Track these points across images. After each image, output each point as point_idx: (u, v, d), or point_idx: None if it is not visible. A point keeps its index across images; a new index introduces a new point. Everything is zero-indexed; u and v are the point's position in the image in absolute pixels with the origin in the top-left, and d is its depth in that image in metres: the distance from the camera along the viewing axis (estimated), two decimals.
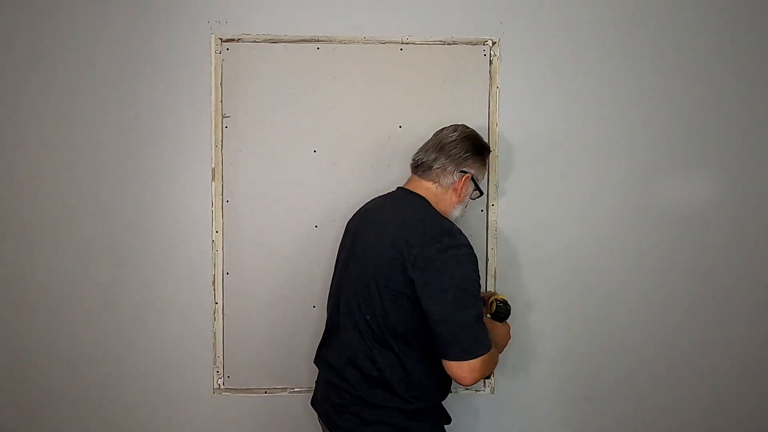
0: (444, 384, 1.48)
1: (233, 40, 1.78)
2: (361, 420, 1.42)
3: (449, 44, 1.81)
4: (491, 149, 1.77)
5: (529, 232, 1.84)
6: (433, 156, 1.50)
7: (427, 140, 1.54)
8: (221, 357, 1.83)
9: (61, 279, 1.81)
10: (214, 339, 1.82)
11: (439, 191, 1.50)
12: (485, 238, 1.83)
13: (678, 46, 1.83)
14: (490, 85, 1.81)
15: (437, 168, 1.49)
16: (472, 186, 1.53)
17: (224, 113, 1.79)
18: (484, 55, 1.81)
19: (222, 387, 1.83)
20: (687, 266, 1.86)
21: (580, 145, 1.83)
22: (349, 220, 1.60)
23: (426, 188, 1.50)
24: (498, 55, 1.81)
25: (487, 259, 1.84)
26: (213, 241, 1.81)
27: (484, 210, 1.83)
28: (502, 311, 1.66)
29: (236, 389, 1.84)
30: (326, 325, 1.57)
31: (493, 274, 1.84)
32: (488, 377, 1.71)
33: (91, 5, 1.76)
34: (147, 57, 1.78)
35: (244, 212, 1.81)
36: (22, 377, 1.83)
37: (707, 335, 1.88)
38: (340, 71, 1.80)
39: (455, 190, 1.50)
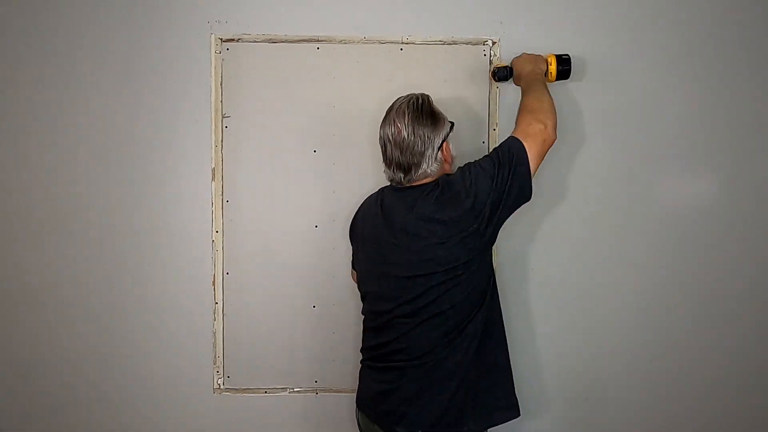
0: None
1: (233, 40, 1.78)
2: None
3: (449, 44, 1.81)
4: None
5: (528, 232, 1.84)
6: (407, 164, 1.45)
7: (385, 151, 1.47)
8: (221, 357, 1.83)
9: (62, 279, 1.81)
10: (214, 339, 1.82)
11: (437, 170, 1.47)
12: None
13: (678, 45, 1.83)
14: (490, 85, 1.81)
15: (422, 171, 1.45)
16: (450, 143, 1.52)
17: (224, 113, 1.79)
18: (484, 55, 1.81)
19: (222, 387, 1.83)
20: (687, 267, 1.86)
21: (581, 145, 1.83)
22: (356, 227, 1.62)
23: (424, 182, 1.47)
24: (498, 55, 1.81)
25: None
26: (213, 241, 1.81)
27: None
28: (500, 74, 1.70)
29: (236, 389, 1.84)
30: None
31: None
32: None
33: (91, 5, 1.76)
34: (147, 57, 1.78)
35: (244, 212, 1.81)
36: (21, 376, 1.83)
37: (707, 335, 1.88)
38: (340, 71, 1.80)
39: (445, 162, 1.50)
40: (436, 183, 1.45)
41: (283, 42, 1.79)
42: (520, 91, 1.62)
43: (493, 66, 1.75)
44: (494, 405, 1.49)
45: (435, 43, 1.80)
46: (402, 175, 1.46)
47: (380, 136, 1.48)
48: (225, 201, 1.80)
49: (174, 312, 1.81)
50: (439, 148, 1.46)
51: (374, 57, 1.80)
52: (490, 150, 1.44)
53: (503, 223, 1.43)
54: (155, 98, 1.78)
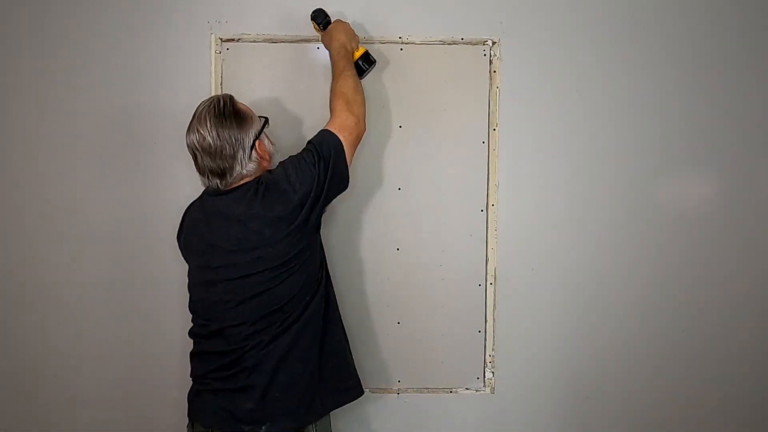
0: None
1: (233, 40, 1.78)
2: None
3: (449, 44, 1.81)
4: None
5: (529, 232, 1.84)
6: (220, 169, 1.42)
7: (195, 160, 1.44)
8: None
9: (62, 278, 1.81)
10: None
11: (254, 169, 1.47)
12: (485, 238, 1.83)
13: (679, 46, 1.83)
14: (490, 85, 1.81)
15: (237, 174, 1.44)
16: (265, 139, 1.51)
17: None
18: (484, 55, 1.81)
19: None
20: (687, 266, 1.86)
21: (581, 145, 1.83)
22: (181, 237, 1.59)
23: (243, 182, 1.46)
24: (498, 55, 1.81)
25: (487, 259, 1.84)
26: None
27: (484, 210, 1.83)
28: (319, 19, 1.69)
29: None
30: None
31: (493, 274, 1.84)
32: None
33: (91, 5, 1.76)
34: (147, 57, 1.78)
35: None
36: (21, 376, 1.83)
37: (707, 335, 1.88)
38: None
39: (262, 159, 1.49)
40: (258, 181, 1.44)
41: (283, 42, 1.79)
42: (329, 56, 1.65)
43: (319, 8, 1.70)
44: (342, 386, 1.56)
45: (435, 43, 1.80)
46: (218, 181, 1.45)
47: (187, 145, 1.45)
48: None
49: (175, 312, 1.81)
50: (252, 147, 1.45)
51: (374, 57, 1.80)
52: (312, 143, 1.47)
53: (324, 208, 1.48)
54: (155, 98, 1.78)
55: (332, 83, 1.58)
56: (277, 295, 1.43)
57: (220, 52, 1.78)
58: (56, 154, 1.78)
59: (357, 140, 1.52)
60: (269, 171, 1.48)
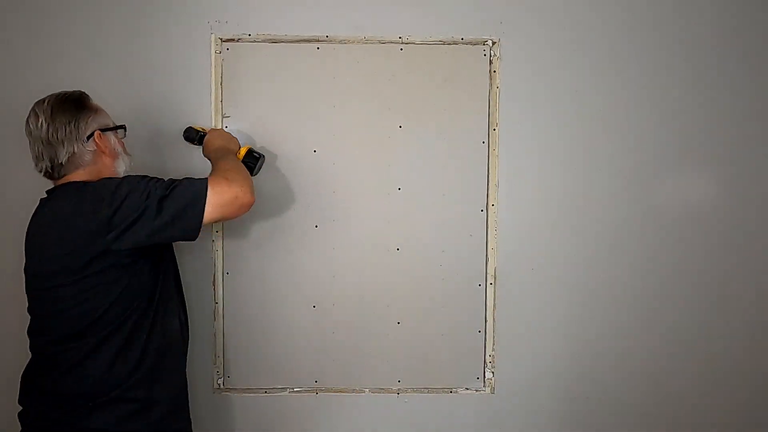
0: None
1: (233, 40, 1.78)
2: None
3: (449, 44, 1.81)
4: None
5: (529, 232, 1.84)
6: (48, 156, 1.37)
7: (31, 148, 1.40)
8: (221, 357, 1.83)
9: None
10: (214, 339, 1.82)
11: (92, 168, 1.40)
12: (485, 238, 1.83)
13: (679, 45, 1.83)
14: (490, 85, 1.81)
15: (67, 159, 1.37)
16: (111, 135, 1.44)
17: (224, 113, 1.79)
18: (484, 55, 1.81)
19: (222, 387, 1.83)
20: (688, 266, 1.86)
21: (580, 144, 1.83)
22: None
23: (77, 177, 1.39)
24: (498, 55, 1.81)
25: (487, 259, 1.84)
26: (213, 241, 1.81)
27: (484, 210, 1.83)
28: (190, 135, 1.69)
29: (236, 389, 1.84)
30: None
31: (493, 274, 1.84)
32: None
33: (91, 5, 1.76)
34: (147, 57, 1.78)
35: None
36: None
37: (708, 335, 1.88)
38: (340, 71, 1.80)
39: (102, 153, 1.41)
40: (86, 182, 1.37)
41: (283, 42, 1.79)
42: (211, 163, 1.55)
43: (188, 126, 1.71)
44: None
45: (435, 43, 1.80)
46: (50, 166, 1.38)
47: (25, 134, 1.40)
48: None
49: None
50: (89, 137, 1.38)
51: (374, 57, 1.80)
52: (176, 180, 1.36)
53: (154, 244, 1.35)
54: (155, 98, 1.78)
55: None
56: (75, 315, 1.34)
57: (220, 52, 1.78)
58: None
59: (232, 208, 1.35)
60: (110, 178, 1.39)
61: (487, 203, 1.83)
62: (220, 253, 1.81)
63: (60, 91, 1.44)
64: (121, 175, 1.46)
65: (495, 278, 1.84)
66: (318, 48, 1.79)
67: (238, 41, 1.78)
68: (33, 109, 1.40)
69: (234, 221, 1.80)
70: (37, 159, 1.40)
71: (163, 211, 1.30)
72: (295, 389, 1.84)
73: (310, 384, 1.84)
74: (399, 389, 1.85)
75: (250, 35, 1.78)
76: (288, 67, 1.79)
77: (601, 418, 1.89)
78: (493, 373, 1.86)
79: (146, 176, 1.37)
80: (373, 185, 1.82)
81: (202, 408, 1.83)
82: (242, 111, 1.79)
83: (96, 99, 1.79)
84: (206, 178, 1.35)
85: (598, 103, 1.83)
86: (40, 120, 1.37)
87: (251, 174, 1.61)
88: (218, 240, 1.81)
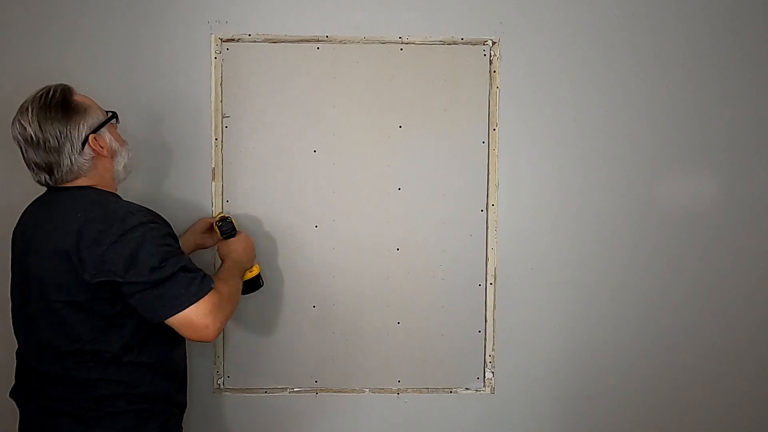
0: None
1: (233, 40, 1.78)
2: None
3: (449, 44, 1.81)
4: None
5: (529, 232, 1.84)
6: (46, 163, 1.32)
7: (22, 153, 1.36)
8: (221, 357, 1.83)
9: None
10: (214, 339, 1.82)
11: (93, 174, 1.36)
12: (485, 238, 1.83)
13: (679, 45, 1.83)
14: (490, 85, 1.81)
15: (67, 169, 1.32)
16: (105, 133, 1.38)
17: (224, 113, 1.79)
18: (484, 55, 1.81)
19: (222, 387, 1.83)
20: (688, 266, 1.86)
21: (581, 144, 1.83)
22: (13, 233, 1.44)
23: (78, 184, 1.35)
24: (498, 55, 1.81)
25: (487, 259, 1.84)
26: None
27: (484, 210, 1.83)
28: (225, 227, 1.61)
29: (236, 389, 1.84)
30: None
31: (493, 273, 1.84)
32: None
33: (91, 5, 1.76)
34: (146, 57, 1.78)
35: (244, 212, 1.81)
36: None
37: (707, 334, 1.88)
38: (340, 71, 1.80)
39: (101, 157, 1.36)
40: (93, 191, 1.34)
41: (283, 42, 1.79)
42: (221, 263, 1.57)
43: (222, 215, 1.67)
44: None
45: (435, 43, 1.81)
46: (47, 176, 1.34)
47: (12, 137, 1.35)
48: (225, 201, 1.80)
49: None
50: (84, 142, 1.32)
51: (374, 57, 1.80)
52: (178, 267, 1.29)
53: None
54: (155, 98, 1.78)
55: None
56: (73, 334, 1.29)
57: (220, 52, 1.78)
58: None
59: (188, 331, 1.29)
60: (119, 199, 1.37)
61: (487, 203, 1.83)
62: None
63: (42, 89, 1.36)
64: (123, 175, 1.43)
65: (495, 278, 1.84)
66: (318, 48, 1.79)
67: (238, 41, 1.79)
68: (17, 117, 1.33)
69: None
70: (32, 169, 1.35)
71: (151, 290, 1.25)
72: (294, 389, 1.84)
73: (310, 384, 1.84)
74: (399, 389, 1.85)
75: (250, 35, 1.78)
76: (288, 67, 1.79)
77: (600, 418, 1.89)
78: (493, 373, 1.86)
79: (164, 244, 1.29)
80: (373, 185, 1.82)
81: (202, 408, 1.83)
82: (242, 111, 1.79)
83: (96, 99, 1.79)
84: (208, 287, 1.30)
85: (597, 103, 1.83)
86: (28, 131, 1.30)
87: (243, 294, 1.58)
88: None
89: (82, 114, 1.35)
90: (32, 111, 1.32)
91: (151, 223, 1.30)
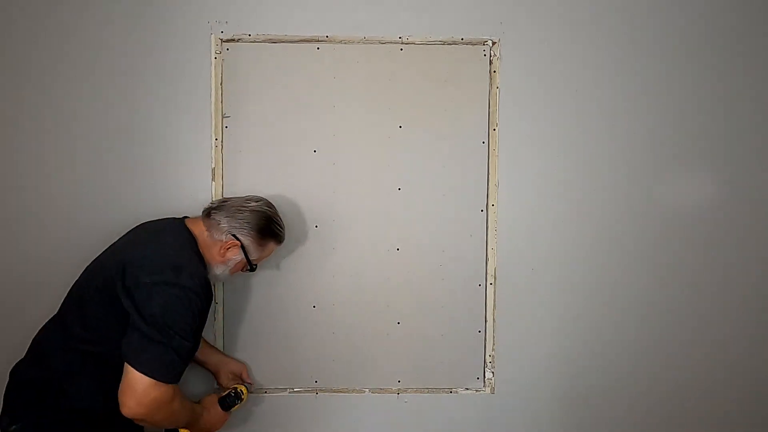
0: None
1: (233, 40, 1.78)
2: None
3: (449, 44, 1.81)
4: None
5: (529, 232, 1.84)
6: (218, 206, 1.56)
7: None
8: None
9: (61, 278, 1.80)
10: (215, 339, 1.82)
11: (209, 240, 1.54)
12: (485, 238, 1.83)
13: (679, 45, 1.83)
14: (490, 85, 1.81)
15: (214, 218, 1.54)
16: (240, 255, 1.55)
17: (224, 113, 1.79)
18: (484, 55, 1.81)
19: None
20: (688, 266, 1.86)
21: (581, 144, 1.83)
22: None
23: (200, 229, 1.55)
24: (498, 55, 1.81)
25: (487, 259, 1.84)
26: None
27: (484, 210, 1.83)
28: (230, 399, 1.67)
29: None
30: None
31: (493, 274, 1.84)
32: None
33: (91, 5, 1.76)
34: (147, 57, 1.78)
35: None
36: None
37: (707, 334, 1.88)
38: (340, 71, 1.80)
39: (221, 249, 1.54)
40: (187, 233, 1.54)
41: (283, 42, 1.79)
42: (202, 405, 1.62)
43: (241, 391, 1.71)
44: None
45: (435, 43, 1.81)
46: (211, 204, 1.60)
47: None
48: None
49: None
50: (231, 236, 1.53)
51: (374, 57, 1.80)
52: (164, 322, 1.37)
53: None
54: (155, 98, 1.78)
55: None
56: None
57: (220, 52, 1.78)
58: (55, 154, 1.78)
59: (123, 386, 1.35)
60: (191, 254, 1.49)
61: (487, 203, 1.83)
62: None
63: (275, 216, 1.62)
64: (215, 274, 1.56)
65: (495, 278, 1.84)
66: (318, 48, 1.79)
67: (238, 41, 1.79)
68: (267, 201, 1.63)
69: None
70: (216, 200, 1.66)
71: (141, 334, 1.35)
72: (295, 389, 1.84)
73: (310, 384, 1.84)
74: (399, 389, 1.85)
75: (250, 35, 1.78)
76: (288, 67, 1.79)
77: (600, 418, 1.89)
78: (493, 373, 1.86)
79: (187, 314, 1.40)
80: (373, 185, 1.82)
81: None
82: (242, 111, 1.79)
83: (96, 99, 1.80)
84: (174, 378, 1.37)
85: (597, 102, 1.83)
86: (251, 203, 1.57)
87: None
88: None
89: (258, 239, 1.56)
90: (265, 203, 1.61)
91: (193, 294, 1.41)
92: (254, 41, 1.79)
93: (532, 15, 1.81)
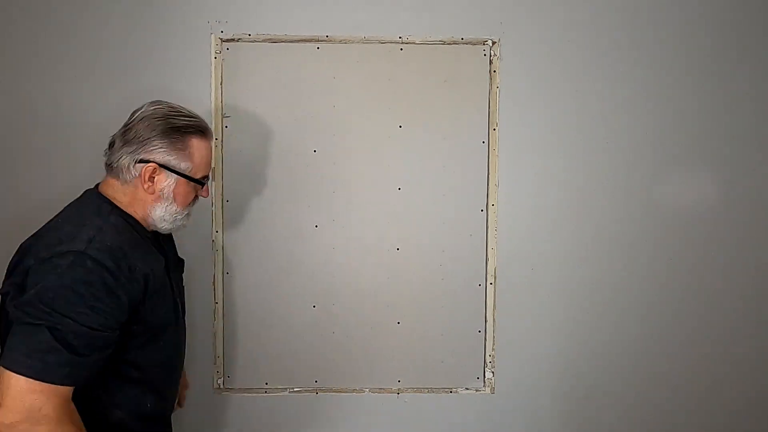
0: None
1: (233, 40, 1.78)
2: None
3: (449, 44, 1.81)
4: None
5: (529, 232, 1.84)
6: (107, 148, 1.23)
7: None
8: (221, 357, 1.83)
9: None
10: (214, 339, 1.82)
11: (128, 189, 1.22)
12: (485, 238, 1.83)
13: (680, 45, 1.83)
14: (490, 85, 1.81)
15: (113, 162, 1.21)
16: (168, 176, 1.22)
17: (224, 113, 1.79)
18: (484, 55, 1.81)
19: (222, 387, 1.83)
20: (688, 266, 1.86)
21: (581, 145, 1.83)
22: None
23: (112, 186, 1.23)
24: (498, 55, 1.81)
25: (487, 259, 1.84)
26: (213, 241, 1.81)
27: (484, 210, 1.83)
28: None
29: (236, 389, 1.84)
30: None
31: (492, 274, 1.84)
32: None
33: (91, 5, 1.76)
34: (147, 57, 1.78)
35: (244, 212, 1.81)
36: None
37: (707, 334, 1.88)
38: (339, 71, 1.80)
39: (143, 185, 1.21)
40: (96, 198, 1.21)
41: (283, 42, 1.79)
42: None
43: None
44: None
45: (435, 43, 1.81)
46: (105, 161, 1.24)
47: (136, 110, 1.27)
48: (225, 201, 1.81)
49: None
50: (144, 162, 1.19)
51: (374, 57, 1.80)
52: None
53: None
54: (155, 98, 1.77)
55: None
56: None
57: (220, 52, 1.78)
58: (55, 154, 1.78)
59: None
60: (94, 220, 1.17)
61: (487, 203, 1.83)
62: (220, 253, 1.81)
63: (188, 111, 1.29)
64: (163, 220, 1.26)
65: (495, 278, 1.84)
66: (318, 48, 1.79)
67: (238, 41, 1.79)
68: (155, 101, 1.27)
69: (233, 222, 1.80)
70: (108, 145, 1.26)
71: (21, 335, 1.04)
72: (295, 389, 1.84)
73: (310, 384, 1.84)
74: (399, 389, 1.85)
75: (250, 35, 1.78)
76: (288, 67, 1.79)
77: (600, 418, 1.89)
78: (493, 373, 1.86)
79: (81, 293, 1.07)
80: (373, 185, 1.82)
81: (202, 408, 1.83)
82: (242, 111, 1.79)
83: (96, 98, 1.79)
84: (60, 380, 1.03)
85: (597, 102, 1.83)
86: (140, 111, 1.23)
87: None
88: (218, 240, 1.81)
89: (170, 144, 1.22)
90: (158, 102, 1.26)
91: (89, 259, 1.08)
92: (254, 41, 1.79)
93: (532, 15, 1.81)
